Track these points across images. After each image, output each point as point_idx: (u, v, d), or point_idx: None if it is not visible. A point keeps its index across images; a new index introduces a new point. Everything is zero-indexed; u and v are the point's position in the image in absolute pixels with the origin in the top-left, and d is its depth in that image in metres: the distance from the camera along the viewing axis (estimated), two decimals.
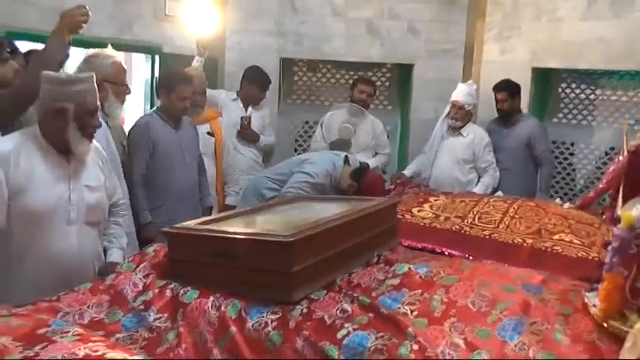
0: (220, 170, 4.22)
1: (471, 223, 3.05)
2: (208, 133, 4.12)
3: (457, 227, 3.02)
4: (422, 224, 3.09)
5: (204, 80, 4.19)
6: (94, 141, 2.42)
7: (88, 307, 1.94)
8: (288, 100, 5.54)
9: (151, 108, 4.46)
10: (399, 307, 1.76)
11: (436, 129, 4.53)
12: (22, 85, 2.54)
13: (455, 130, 4.42)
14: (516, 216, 3.10)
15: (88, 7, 2.61)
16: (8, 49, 3.13)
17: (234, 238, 1.92)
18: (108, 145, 2.80)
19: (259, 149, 4.64)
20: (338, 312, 1.78)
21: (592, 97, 4.93)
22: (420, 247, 2.87)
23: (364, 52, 5.19)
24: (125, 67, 2.91)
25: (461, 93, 4.35)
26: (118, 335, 1.83)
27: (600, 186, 3.24)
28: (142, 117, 3.66)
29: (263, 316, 1.79)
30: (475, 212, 3.16)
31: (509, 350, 1.53)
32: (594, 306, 1.62)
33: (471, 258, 2.73)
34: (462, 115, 4.37)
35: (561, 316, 1.64)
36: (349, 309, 1.78)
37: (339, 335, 1.67)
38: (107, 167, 2.49)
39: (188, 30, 4.44)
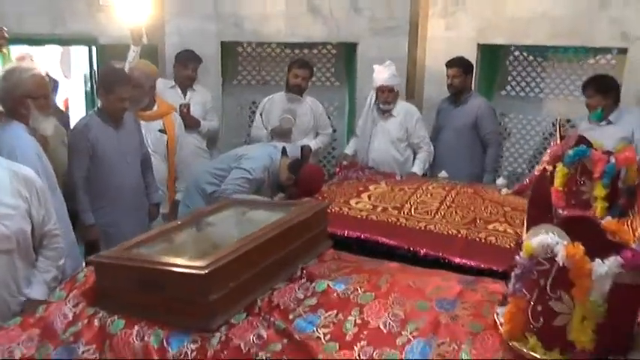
0: (172, 167, 4.22)
1: (407, 214, 3.11)
2: (160, 131, 4.09)
3: (393, 219, 3.08)
4: (359, 216, 3.14)
5: (147, 73, 4.12)
6: (21, 169, 2.37)
7: (19, 344, 1.98)
8: (234, 81, 5.50)
9: (92, 102, 4.40)
10: (313, 331, 1.82)
11: (365, 115, 4.54)
12: None
13: (386, 112, 4.43)
14: (453, 205, 3.17)
15: (4, 29, 2.53)
16: None
17: (153, 268, 1.94)
18: (40, 161, 2.75)
19: (202, 135, 4.63)
20: (254, 338, 1.83)
21: (539, 69, 4.97)
22: (355, 236, 2.95)
23: (306, 32, 5.14)
24: (46, 78, 2.83)
25: (385, 76, 4.34)
26: None
27: (535, 173, 3.30)
28: (81, 119, 3.65)
29: (184, 346, 1.84)
30: (412, 202, 3.22)
31: None
32: (501, 325, 1.68)
33: (408, 248, 2.83)
34: (393, 97, 4.39)
35: (470, 336, 1.69)
36: (265, 335, 1.84)
37: None
38: (37, 197, 2.37)
39: (124, 19, 4.34)
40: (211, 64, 4.97)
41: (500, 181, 3.81)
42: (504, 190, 3.37)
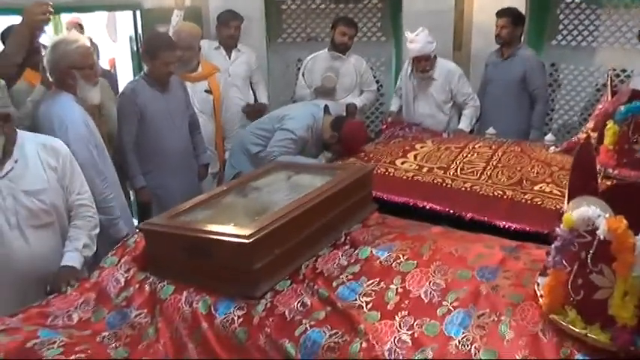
0: (219, 127, 4.28)
1: (453, 174, 3.09)
2: (206, 91, 4.15)
3: (439, 180, 3.06)
4: (405, 177, 3.14)
5: (193, 35, 4.14)
6: (48, 140, 2.45)
7: (76, 307, 2.09)
8: (279, 39, 5.47)
9: (139, 63, 4.47)
10: (355, 300, 1.85)
11: (404, 81, 4.47)
12: None
13: (426, 78, 4.33)
14: (499, 164, 3.12)
15: (51, 3, 2.57)
16: None
17: (199, 237, 2.00)
18: (88, 130, 2.84)
19: (246, 95, 4.70)
20: (298, 306, 1.88)
21: (592, 17, 4.74)
22: (401, 201, 2.96)
23: None
24: (91, 48, 2.89)
25: (419, 46, 4.20)
26: (103, 334, 1.97)
27: (581, 134, 3.20)
28: (128, 83, 3.70)
29: (230, 312, 1.91)
30: (458, 162, 3.18)
31: (452, 347, 1.61)
32: (541, 296, 1.67)
33: (451, 212, 2.82)
34: (430, 64, 4.28)
35: (510, 307, 1.69)
36: (309, 302, 1.88)
37: (297, 332, 1.78)
38: (64, 167, 2.44)
39: None
40: (255, 24, 4.94)
41: (549, 137, 3.71)
42: (552, 148, 3.29)
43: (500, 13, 4.30)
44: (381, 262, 2.00)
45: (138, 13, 4.66)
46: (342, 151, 3.61)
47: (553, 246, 1.62)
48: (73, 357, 1.74)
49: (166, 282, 2.08)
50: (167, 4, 4.37)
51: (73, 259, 2.38)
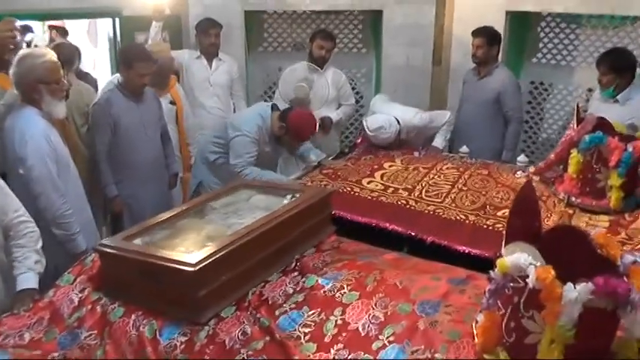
0: (183, 134, 4.31)
1: (418, 196, 3.12)
2: (171, 102, 4.17)
3: (403, 202, 3.09)
4: (369, 198, 3.17)
5: (169, 56, 4.18)
6: None
7: (28, 327, 2.11)
8: (259, 48, 5.49)
9: (117, 70, 4.48)
10: (295, 330, 1.89)
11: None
12: None
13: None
14: (464, 188, 3.15)
15: (17, 24, 2.57)
16: None
17: (149, 261, 2.02)
18: (49, 144, 2.82)
19: (227, 105, 4.69)
20: (239, 334, 1.91)
21: (572, 36, 4.77)
22: (364, 222, 2.98)
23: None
24: (58, 63, 2.88)
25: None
26: (53, 354, 2.00)
27: (551, 157, 3.23)
28: (103, 94, 3.72)
29: (174, 338, 1.94)
30: (424, 184, 3.22)
31: None
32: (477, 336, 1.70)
33: (413, 235, 2.85)
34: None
35: (446, 344, 1.71)
36: (249, 331, 1.92)
37: None
38: None
39: None
40: (235, 32, 4.96)
41: (521, 158, 3.74)
42: (519, 173, 3.32)
43: (476, 33, 4.32)
44: (325, 291, 2.03)
45: (117, 20, 4.68)
46: (292, 141, 3.68)
47: (487, 288, 1.65)
48: None
49: (117, 304, 2.10)
50: (145, 12, 4.38)
51: (29, 280, 2.33)
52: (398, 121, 3.88)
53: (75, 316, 2.12)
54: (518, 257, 1.55)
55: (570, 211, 2.94)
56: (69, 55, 3.83)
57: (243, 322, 1.96)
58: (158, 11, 4.21)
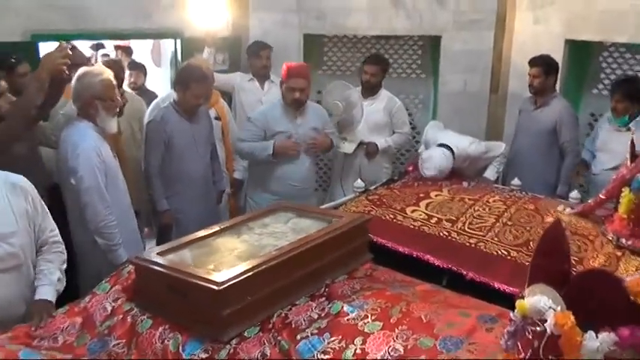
0: (229, 149, 4.42)
1: (460, 228, 3.05)
2: (216, 118, 4.28)
3: (445, 233, 3.03)
4: (412, 227, 3.12)
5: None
6: (17, 180, 2.37)
7: (62, 330, 2.20)
8: (318, 71, 5.56)
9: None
10: (313, 356, 1.88)
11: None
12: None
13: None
14: (509, 222, 3.06)
15: (69, 46, 2.74)
16: (13, 58, 3.39)
17: (177, 277, 2.07)
18: (99, 157, 2.95)
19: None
20: (258, 355, 1.93)
21: (637, 67, 4.58)
22: (405, 252, 2.95)
23: (388, 24, 5.06)
24: (113, 82, 3.04)
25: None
26: (83, 359, 2.08)
27: (601, 196, 3.10)
28: (158, 111, 3.85)
29: (195, 354, 1.97)
30: (468, 215, 3.15)
31: None
32: None
33: (452, 267, 2.79)
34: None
35: None
36: (268, 353, 1.92)
37: None
38: (33, 205, 2.39)
39: (210, 12, 4.51)
40: (293, 57, 5.03)
41: (574, 194, 3.59)
42: (568, 210, 3.20)
43: (532, 62, 4.22)
44: (348, 319, 2.01)
45: (179, 41, 4.87)
46: (286, 86, 3.92)
47: (506, 330, 1.60)
48: None
49: (147, 316, 2.16)
50: (205, 33, 4.54)
51: (47, 292, 2.36)
52: (452, 152, 3.80)
53: (106, 324, 2.19)
54: (537, 300, 1.50)
55: (619, 253, 2.80)
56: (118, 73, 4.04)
57: (264, 344, 1.97)
58: (210, 36, 4.37)
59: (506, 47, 4.81)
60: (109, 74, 3.00)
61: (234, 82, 4.69)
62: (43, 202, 2.47)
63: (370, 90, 4.53)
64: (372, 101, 4.51)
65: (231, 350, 1.95)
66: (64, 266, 2.52)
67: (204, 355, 1.95)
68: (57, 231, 2.53)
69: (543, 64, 4.18)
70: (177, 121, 3.69)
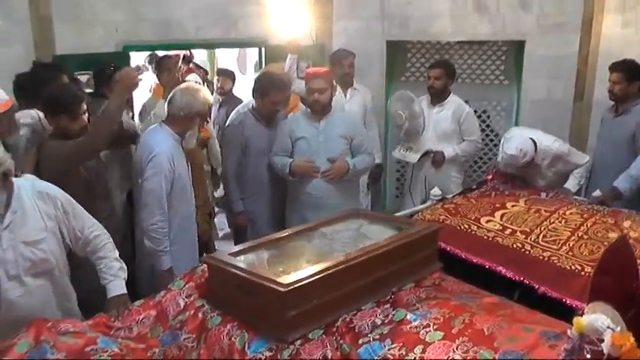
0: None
1: (534, 241, 2.98)
2: None
3: (519, 245, 2.97)
4: (485, 237, 3.08)
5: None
6: (45, 187, 2.47)
7: (137, 322, 2.35)
8: (402, 77, 5.56)
9: None
10: None
11: None
12: (84, 141, 2.95)
13: None
14: (585, 236, 2.96)
15: (143, 65, 2.95)
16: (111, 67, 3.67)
17: (246, 277, 2.16)
18: (169, 164, 3.13)
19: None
20: (320, 357, 1.98)
21: None
22: (477, 262, 2.93)
23: (472, 30, 5.00)
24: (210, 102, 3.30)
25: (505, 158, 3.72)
26: (155, 349, 2.21)
27: None
28: (237, 116, 3.99)
29: (260, 352, 2.04)
30: (543, 228, 3.07)
31: None
32: None
33: (524, 280, 2.74)
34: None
35: None
36: (329, 356, 1.98)
37: None
38: (63, 211, 2.47)
39: (293, 21, 4.64)
40: (375, 63, 5.08)
41: None
42: None
43: (613, 68, 4.04)
44: (411, 327, 2.03)
45: (263, 49, 5.02)
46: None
47: (563, 347, 1.57)
48: None
49: (217, 313, 2.27)
50: (289, 41, 4.66)
51: (116, 287, 2.51)
52: (535, 145, 3.66)
53: (178, 318, 2.31)
54: (595, 319, 1.47)
55: None
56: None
57: (326, 346, 2.02)
58: (292, 45, 4.48)
59: (593, 52, 4.61)
60: (206, 93, 3.24)
61: None
62: (75, 203, 2.55)
63: (437, 96, 4.48)
64: (440, 108, 4.47)
65: (294, 351, 2.01)
66: (117, 253, 2.62)
67: (268, 354, 2.02)
68: (95, 224, 2.60)
69: (625, 69, 4.00)
70: (255, 126, 3.82)
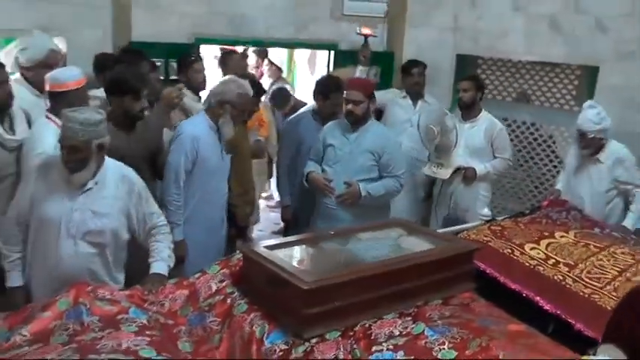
0: None
1: (577, 275, 2.90)
2: None
3: (560, 277, 2.90)
4: (527, 264, 3.02)
5: None
6: (127, 171, 2.76)
7: (169, 299, 2.45)
8: None
9: None
10: None
11: (572, 153, 4.15)
12: None
13: (591, 159, 3.99)
14: (633, 278, 2.85)
15: (182, 87, 3.40)
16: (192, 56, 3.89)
17: (273, 270, 2.22)
18: (192, 147, 3.28)
19: (423, 147, 4.72)
20: (332, 358, 2.00)
21: None
22: (515, 289, 2.87)
23: (545, 50, 4.87)
24: (249, 96, 3.42)
25: (583, 118, 3.90)
26: (182, 327, 2.31)
27: None
28: (297, 114, 4.09)
29: (276, 344, 2.10)
30: (589, 263, 2.98)
31: None
32: None
33: (560, 314, 2.67)
34: (588, 143, 3.91)
35: None
36: (341, 358, 2.00)
37: None
38: (137, 196, 2.74)
39: (366, 27, 4.68)
40: (444, 76, 5.03)
41: None
42: None
43: None
44: (426, 342, 2.02)
45: (332, 52, 5.09)
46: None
47: None
48: (139, 337, 2.05)
49: (244, 301, 2.34)
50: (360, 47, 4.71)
51: (160, 267, 2.72)
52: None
53: (208, 301, 2.40)
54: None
55: None
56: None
57: (340, 349, 2.04)
58: (365, 56, 4.52)
59: None
60: (248, 88, 3.38)
61: (386, 97, 4.76)
62: (149, 192, 2.84)
63: (468, 110, 4.41)
64: (472, 124, 4.39)
65: (309, 348, 2.05)
66: (173, 246, 2.87)
67: (283, 347, 2.08)
68: (164, 217, 2.91)
69: None
70: (312, 126, 3.91)
